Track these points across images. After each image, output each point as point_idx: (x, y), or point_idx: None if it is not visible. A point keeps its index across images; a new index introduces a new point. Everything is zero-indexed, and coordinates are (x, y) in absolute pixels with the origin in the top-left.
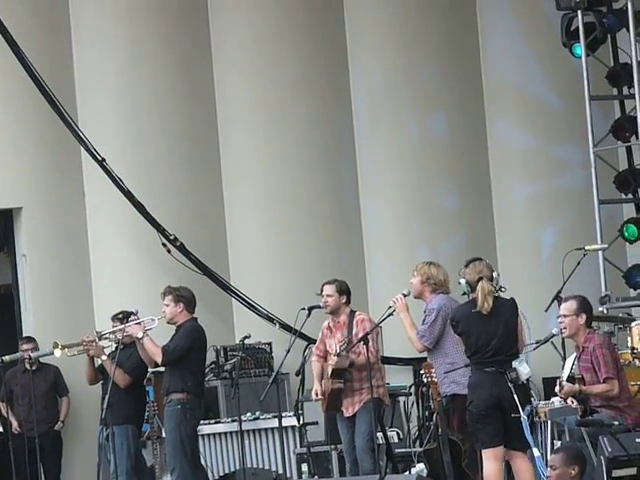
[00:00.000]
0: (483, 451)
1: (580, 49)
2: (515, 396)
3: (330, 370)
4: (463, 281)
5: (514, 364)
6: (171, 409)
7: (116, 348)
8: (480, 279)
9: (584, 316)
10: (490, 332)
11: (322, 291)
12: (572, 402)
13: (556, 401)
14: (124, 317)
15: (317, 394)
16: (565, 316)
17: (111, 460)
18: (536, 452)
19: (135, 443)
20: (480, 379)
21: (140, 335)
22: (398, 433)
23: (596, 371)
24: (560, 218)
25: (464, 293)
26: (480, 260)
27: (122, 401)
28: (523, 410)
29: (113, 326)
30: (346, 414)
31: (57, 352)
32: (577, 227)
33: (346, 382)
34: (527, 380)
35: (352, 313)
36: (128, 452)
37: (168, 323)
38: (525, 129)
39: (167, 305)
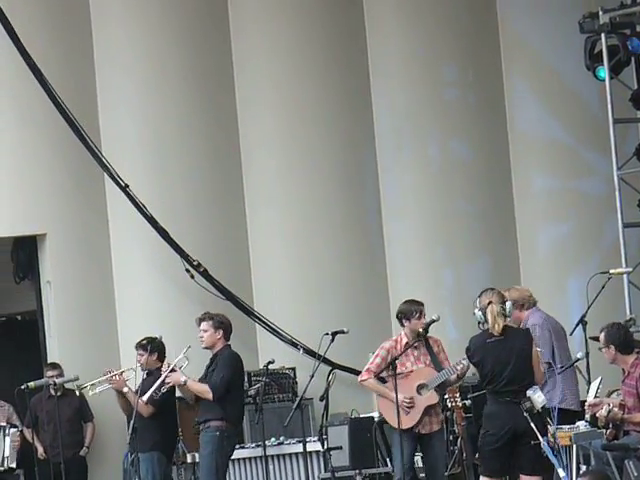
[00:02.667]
0: (482, 477)
1: (604, 72)
2: (533, 424)
3: (436, 383)
4: (477, 311)
5: (528, 393)
6: (209, 435)
7: (144, 380)
8: (490, 303)
9: (612, 347)
10: (503, 362)
11: (422, 312)
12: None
13: (581, 425)
14: (148, 343)
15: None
16: (600, 348)
17: None
18: (561, 472)
19: (161, 470)
20: (495, 409)
21: (183, 380)
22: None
23: (639, 397)
24: (588, 253)
25: (479, 322)
26: (492, 289)
27: (148, 428)
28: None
29: (138, 354)
30: (422, 431)
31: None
32: (606, 252)
33: None
34: (542, 408)
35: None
36: (152, 479)
37: (205, 349)
38: (548, 133)
39: (205, 331)
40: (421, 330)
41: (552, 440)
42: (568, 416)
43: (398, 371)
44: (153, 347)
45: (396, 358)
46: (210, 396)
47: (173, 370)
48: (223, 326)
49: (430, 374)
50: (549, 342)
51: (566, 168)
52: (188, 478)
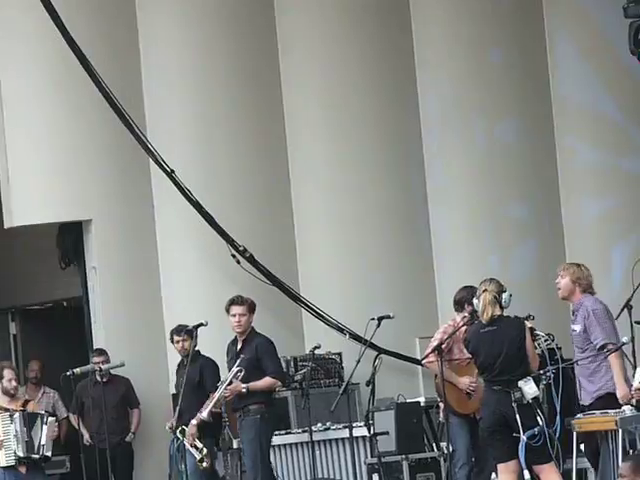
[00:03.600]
0: (498, 466)
1: None
2: (517, 416)
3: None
4: (475, 299)
5: (520, 383)
6: (251, 419)
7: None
8: (484, 291)
9: None
10: (495, 352)
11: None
12: None
13: (627, 409)
14: (195, 329)
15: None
16: None
17: (183, 470)
18: (527, 475)
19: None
20: (488, 397)
21: (244, 388)
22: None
23: None
24: (631, 230)
25: (475, 311)
26: (492, 279)
27: (194, 414)
28: (529, 430)
29: (181, 340)
30: (478, 416)
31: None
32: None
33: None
34: (534, 399)
35: None
36: (196, 466)
37: (240, 334)
38: (594, 141)
39: (243, 315)
40: (467, 315)
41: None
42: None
43: (456, 357)
44: (197, 333)
45: (442, 343)
46: (279, 384)
47: (230, 383)
48: (255, 309)
49: None
50: (611, 325)
51: (613, 145)
52: (234, 464)
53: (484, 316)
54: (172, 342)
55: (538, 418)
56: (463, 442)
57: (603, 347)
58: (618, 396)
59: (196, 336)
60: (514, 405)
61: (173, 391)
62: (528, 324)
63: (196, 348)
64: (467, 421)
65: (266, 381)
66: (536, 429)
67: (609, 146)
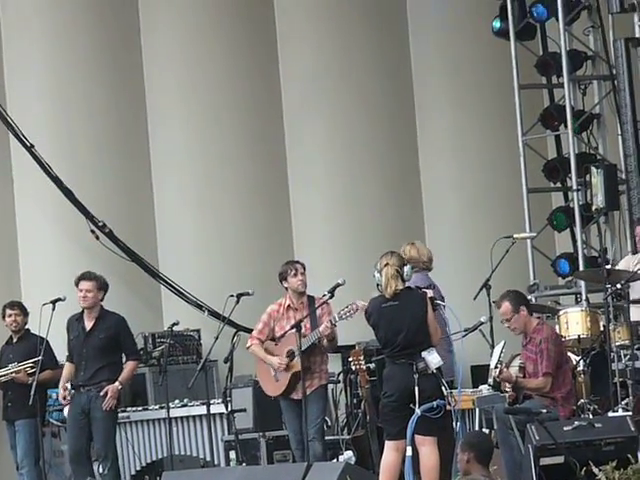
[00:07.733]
0: (386, 442)
1: (498, 22)
2: (416, 387)
3: (302, 348)
4: (376, 273)
5: (423, 354)
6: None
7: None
8: (386, 265)
9: (524, 308)
10: (396, 329)
11: (297, 270)
12: (505, 386)
13: (484, 389)
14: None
15: (281, 364)
16: (507, 320)
17: None
18: (409, 451)
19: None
20: (391, 371)
21: (120, 386)
22: (326, 420)
23: (538, 363)
24: (489, 205)
25: (377, 285)
26: (392, 252)
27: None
28: (433, 400)
29: (10, 315)
30: (295, 397)
31: None
32: (506, 215)
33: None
34: (438, 369)
35: (310, 297)
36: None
37: (87, 309)
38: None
39: (90, 291)
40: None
41: (451, 401)
42: None
43: (278, 334)
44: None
45: (301, 321)
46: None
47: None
48: (105, 287)
49: (296, 340)
50: None
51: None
52: None
53: (387, 290)
54: (2, 317)
55: (442, 388)
56: (291, 427)
57: None
58: None
59: (27, 313)
60: (415, 377)
61: None
62: (429, 293)
63: (27, 326)
64: (289, 403)
65: (130, 367)
66: (435, 403)
67: (471, 114)
